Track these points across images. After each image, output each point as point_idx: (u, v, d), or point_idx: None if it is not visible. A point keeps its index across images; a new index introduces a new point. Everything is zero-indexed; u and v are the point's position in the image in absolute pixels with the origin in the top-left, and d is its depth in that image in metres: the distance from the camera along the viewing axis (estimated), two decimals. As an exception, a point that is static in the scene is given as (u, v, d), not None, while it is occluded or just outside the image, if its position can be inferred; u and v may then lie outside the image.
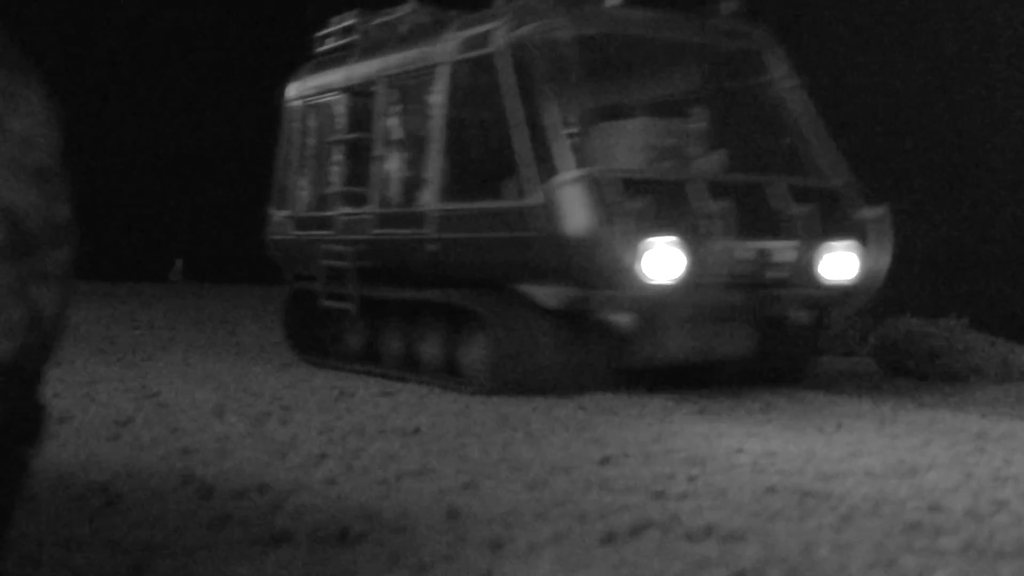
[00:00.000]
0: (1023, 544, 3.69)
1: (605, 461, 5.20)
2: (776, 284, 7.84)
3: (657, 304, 7.44)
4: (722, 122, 8.95)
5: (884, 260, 8.03)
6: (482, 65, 8.37)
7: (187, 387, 7.83)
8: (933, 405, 7.41)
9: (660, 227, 7.32)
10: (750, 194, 7.85)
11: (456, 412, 6.87)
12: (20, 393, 2.73)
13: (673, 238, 7.32)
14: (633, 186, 7.47)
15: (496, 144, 8.45)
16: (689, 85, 9.43)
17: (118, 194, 23.94)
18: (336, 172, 10.09)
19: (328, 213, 9.95)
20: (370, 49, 9.99)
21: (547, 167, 7.58)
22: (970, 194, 11.77)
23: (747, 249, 7.68)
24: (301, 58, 11.18)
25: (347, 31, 10.44)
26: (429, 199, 8.62)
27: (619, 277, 7.25)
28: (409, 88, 9.35)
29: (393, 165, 9.38)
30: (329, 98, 10.35)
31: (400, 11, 9.89)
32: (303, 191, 10.67)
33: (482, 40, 8.38)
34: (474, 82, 8.61)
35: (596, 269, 7.31)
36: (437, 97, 8.77)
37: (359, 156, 9.75)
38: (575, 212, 7.38)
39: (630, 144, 8.53)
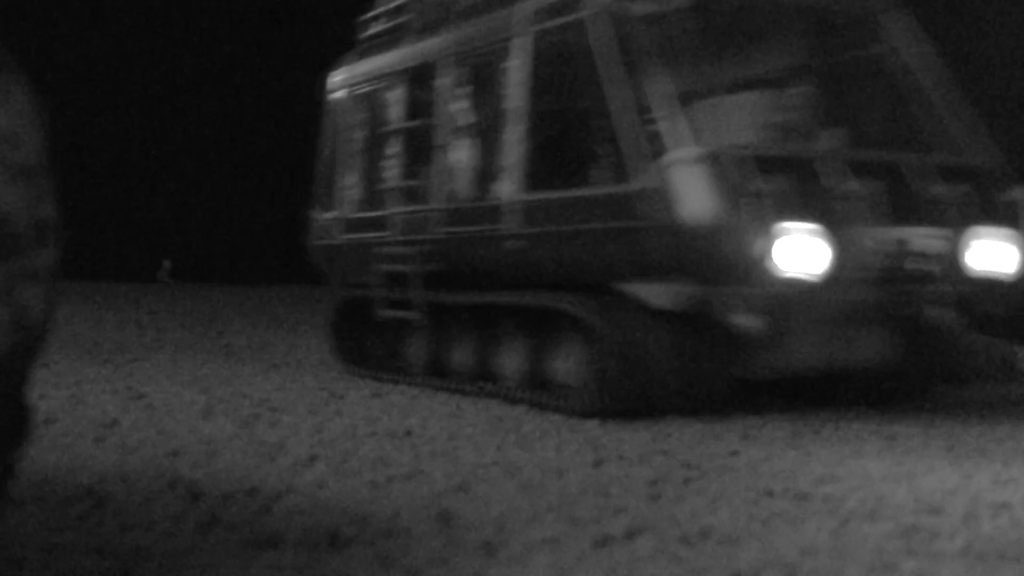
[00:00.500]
0: (1023, 547, 3.69)
1: (599, 463, 5.20)
2: (921, 278, 6.85)
3: (794, 303, 6.52)
4: (841, 95, 8.05)
5: None
6: (571, 33, 7.43)
7: (175, 388, 7.82)
8: (932, 409, 7.41)
9: (797, 212, 6.44)
10: (888, 175, 6.89)
11: (448, 414, 6.86)
12: (5, 394, 2.73)
13: (814, 225, 6.41)
14: (762, 164, 6.56)
15: (591, 122, 7.41)
16: (803, 54, 8.31)
17: (105, 193, 23.91)
18: (392, 166, 9.21)
19: (384, 212, 9.07)
20: (428, 27, 9.09)
21: (658, 145, 6.67)
22: None
23: (890, 238, 6.75)
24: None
25: (399, 10, 9.60)
26: (509, 190, 7.74)
27: (749, 271, 6.36)
28: (478, 66, 8.44)
29: (461, 154, 8.49)
30: (381, 85, 9.50)
31: None
32: (352, 190, 9.72)
33: (570, 5, 7.45)
34: (561, 53, 7.63)
35: (721, 262, 6.42)
36: (515, 73, 7.88)
37: (418, 147, 8.90)
38: (695, 195, 6.47)
39: (744, 120, 7.69)
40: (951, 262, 6.90)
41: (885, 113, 7.99)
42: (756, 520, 4.04)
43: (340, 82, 10.09)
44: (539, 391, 7.29)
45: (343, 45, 10.62)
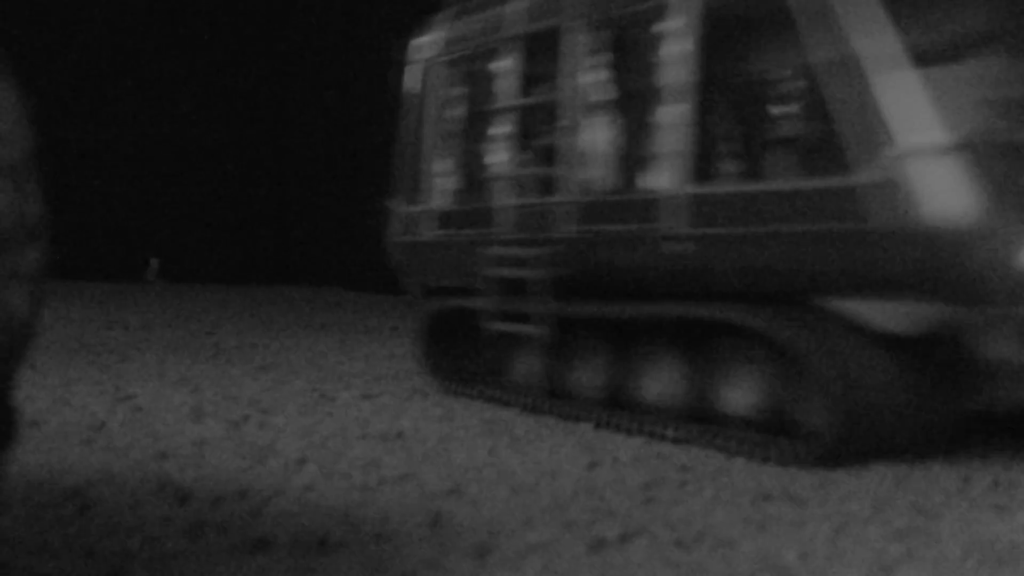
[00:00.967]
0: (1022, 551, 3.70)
1: (593, 466, 5.20)
2: None
3: None
4: None
5: None
6: None
7: (163, 390, 7.81)
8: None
9: None
10: None
11: (439, 416, 6.86)
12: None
13: None
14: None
15: (791, 98, 6.36)
16: None
17: (92, 192, 23.89)
18: (502, 150, 7.80)
19: (492, 205, 7.71)
20: None
21: (888, 129, 5.37)
22: None
23: None
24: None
25: None
26: (669, 181, 6.40)
27: (1013, 288, 5.12)
28: (623, 29, 7.09)
29: (598, 137, 7.15)
30: (485, 52, 8.08)
31: None
32: (447, 178, 8.33)
33: None
34: (743, 12, 6.39)
35: (977, 277, 5.15)
36: (677, 38, 6.48)
37: (537, 127, 7.64)
38: (944, 192, 5.19)
39: (985, 95, 5.94)
40: None
41: None
42: (752, 523, 4.05)
43: (429, 50, 8.66)
44: (751, 433, 5.77)
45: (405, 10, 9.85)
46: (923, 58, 5.70)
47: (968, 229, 5.16)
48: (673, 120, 6.50)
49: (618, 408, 6.73)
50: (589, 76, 7.20)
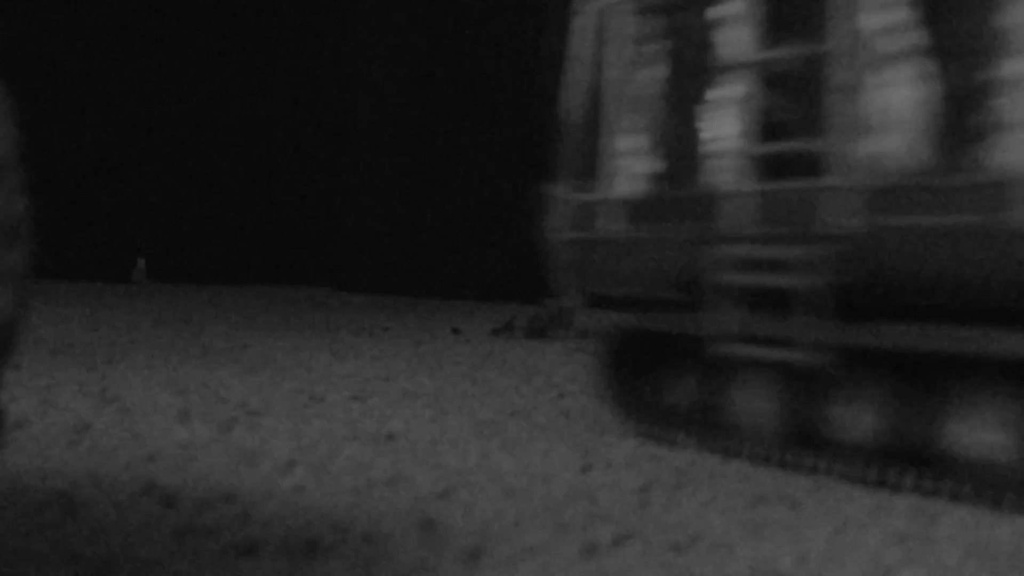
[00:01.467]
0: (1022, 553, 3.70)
1: (587, 469, 5.20)
2: None
3: None
4: None
5: None
6: None
7: (150, 391, 7.80)
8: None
9: None
10: None
11: (431, 418, 6.86)
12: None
13: None
14: None
15: None
16: None
17: (77, 191, 23.86)
18: (733, 120, 5.95)
19: (722, 190, 5.88)
20: None
21: None
22: None
23: None
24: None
25: None
26: None
27: None
28: None
29: (903, 98, 5.31)
30: None
31: None
32: (641, 157, 6.42)
33: None
34: None
35: None
36: None
37: (789, 89, 5.85)
38: None
39: None
40: None
41: None
42: (748, 527, 4.05)
43: None
44: None
45: None
46: None
47: None
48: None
49: (906, 462, 5.06)
50: (874, 20, 5.50)
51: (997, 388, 4.93)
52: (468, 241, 20.11)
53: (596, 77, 6.88)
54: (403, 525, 4.00)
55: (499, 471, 5.13)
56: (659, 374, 6.52)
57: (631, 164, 6.61)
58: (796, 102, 5.91)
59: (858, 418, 5.48)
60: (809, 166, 5.68)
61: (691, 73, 6.42)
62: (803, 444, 5.57)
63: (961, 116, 5.21)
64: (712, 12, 6.30)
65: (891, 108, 5.42)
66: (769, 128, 5.98)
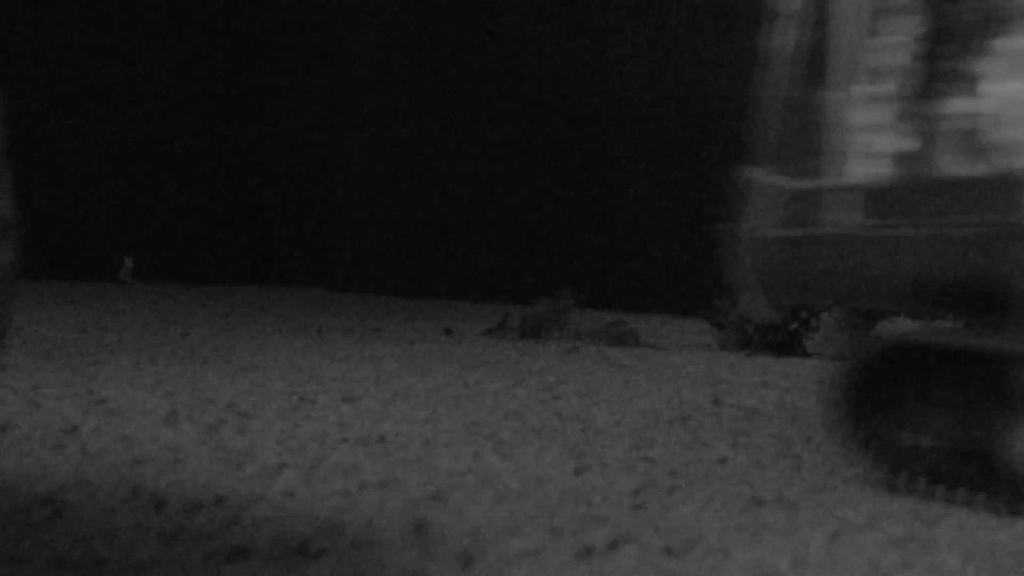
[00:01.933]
0: None
1: (581, 471, 5.20)
2: None
3: None
4: None
5: None
6: None
7: (137, 393, 7.80)
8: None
9: None
10: None
11: (423, 420, 6.86)
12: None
13: None
14: None
15: None
16: None
17: (64, 189, 23.83)
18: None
19: None
20: None
21: None
22: None
23: None
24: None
25: None
26: None
27: None
28: None
29: None
30: None
31: None
32: (890, 135, 4.81)
33: None
34: None
35: None
36: None
37: None
38: None
39: None
40: None
41: None
42: (745, 530, 4.05)
43: None
44: None
45: None
46: None
47: None
48: None
49: None
50: None
51: None
52: (462, 240, 20.11)
53: (819, 40, 5.45)
54: (394, 528, 4.00)
55: (492, 473, 5.13)
56: (921, 405, 4.96)
57: (879, 143, 5.17)
58: None
59: None
60: None
61: (963, 24, 4.97)
62: None
63: None
64: None
65: None
66: None
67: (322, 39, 24.41)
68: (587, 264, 16.56)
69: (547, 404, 7.50)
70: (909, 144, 5.07)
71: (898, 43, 5.20)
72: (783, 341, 10.02)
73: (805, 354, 10.05)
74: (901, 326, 5.55)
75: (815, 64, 5.46)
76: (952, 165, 4.86)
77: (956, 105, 4.96)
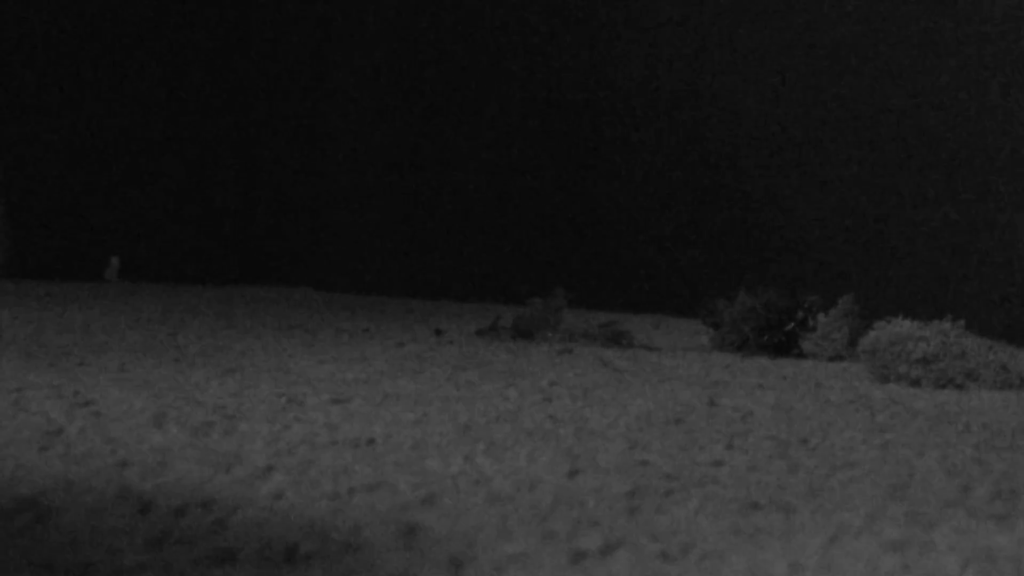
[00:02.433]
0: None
1: (574, 474, 5.20)
2: None
3: None
4: None
5: None
6: None
7: (124, 394, 7.78)
8: (926, 413, 7.43)
9: None
10: None
11: (413, 421, 6.85)
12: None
13: None
14: None
15: None
16: None
17: (49, 187, 23.80)
18: None
19: None
20: None
21: None
22: None
23: None
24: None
25: None
26: None
27: None
28: None
29: None
30: None
31: None
32: None
33: None
34: None
35: None
36: None
37: None
38: None
39: None
40: None
41: None
42: (740, 534, 4.05)
43: None
44: None
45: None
46: None
47: None
48: None
49: None
50: None
51: None
52: (453, 240, 20.10)
53: None
54: (384, 532, 4.00)
55: (484, 476, 5.13)
56: None
57: None
58: None
59: None
60: None
61: None
62: None
63: None
64: None
65: None
66: None
67: (312, 36, 24.38)
68: (580, 264, 16.57)
69: (540, 406, 7.49)
70: None
71: None
72: (779, 342, 10.04)
73: (802, 355, 10.06)
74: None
75: None
76: None
77: None
